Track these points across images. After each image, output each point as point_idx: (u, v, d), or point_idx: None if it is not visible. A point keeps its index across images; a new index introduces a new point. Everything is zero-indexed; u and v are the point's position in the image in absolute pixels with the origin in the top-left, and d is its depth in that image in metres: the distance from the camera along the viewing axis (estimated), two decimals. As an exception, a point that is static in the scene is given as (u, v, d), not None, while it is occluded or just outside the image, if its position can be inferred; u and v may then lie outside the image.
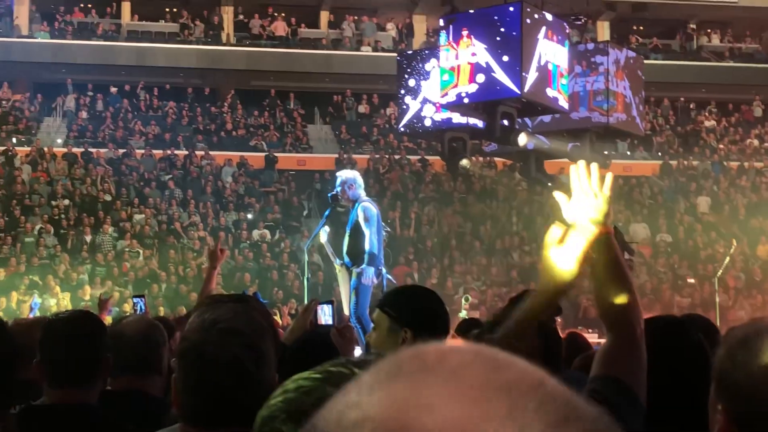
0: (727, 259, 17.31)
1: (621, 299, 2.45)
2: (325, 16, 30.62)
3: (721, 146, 28.03)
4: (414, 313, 3.34)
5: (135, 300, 8.20)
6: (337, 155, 25.09)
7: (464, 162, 15.51)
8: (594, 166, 2.60)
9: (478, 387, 0.66)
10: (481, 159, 21.87)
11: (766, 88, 29.21)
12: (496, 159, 21.84)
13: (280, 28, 29.64)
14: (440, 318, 3.37)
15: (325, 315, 5.53)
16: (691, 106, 29.57)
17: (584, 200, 2.52)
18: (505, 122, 14.22)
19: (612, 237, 2.50)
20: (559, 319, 6.71)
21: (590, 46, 16.69)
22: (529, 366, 0.69)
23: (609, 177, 2.59)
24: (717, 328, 4.07)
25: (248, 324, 2.09)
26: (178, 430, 2.16)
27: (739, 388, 1.66)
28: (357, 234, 9.15)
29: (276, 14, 30.10)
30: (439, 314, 3.38)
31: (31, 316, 8.94)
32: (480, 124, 14.67)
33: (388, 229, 12.95)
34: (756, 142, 28.30)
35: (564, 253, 2.39)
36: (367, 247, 9.02)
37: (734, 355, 1.69)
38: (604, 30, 29.67)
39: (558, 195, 2.60)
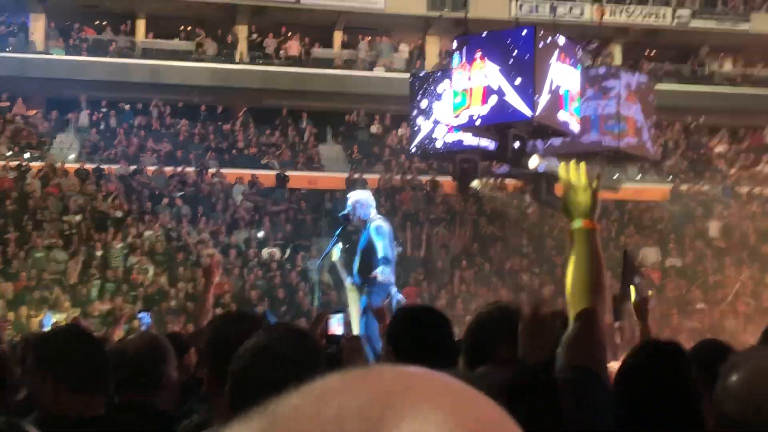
0: (738, 284, 17.25)
1: (592, 291, 2.55)
2: (338, 37, 30.77)
3: (732, 171, 27.99)
4: (405, 334, 3.31)
5: (140, 315, 8.19)
6: (348, 175, 25.15)
7: (475, 183, 15.55)
8: (582, 164, 2.75)
9: None
10: (491, 181, 21.86)
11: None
12: (506, 181, 21.85)
13: (293, 47, 29.78)
14: (439, 342, 3.30)
15: (335, 325, 5.55)
16: (703, 131, 29.57)
17: (574, 195, 2.65)
18: (517, 144, 14.25)
19: (595, 233, 2.62)
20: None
21: (602, 70, 16.72)
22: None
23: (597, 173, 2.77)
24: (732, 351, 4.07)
25: (300, 354, 2.13)
26: None
27: (721, 407, 1.72)
28: (368, 253, 9.17)
29: (290, 34, 30.26)
30: (432, 337, 3.30)
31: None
32: (491, 145, 14.70)
33: (399, 249, 12.95)
34: (767, 169, 28.26)
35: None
36: (381, 254, 9.01)
37: (724, 377, 1.75)
38: (616, 54, 29.73)
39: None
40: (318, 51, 30.27)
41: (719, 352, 3.12)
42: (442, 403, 0.64)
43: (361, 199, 9.39)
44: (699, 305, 21.02)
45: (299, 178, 25.77)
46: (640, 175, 26.68)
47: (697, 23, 29.98)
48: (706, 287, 21.89)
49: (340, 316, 5.70)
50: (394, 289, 9.38)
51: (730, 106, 29.16)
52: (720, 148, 29.21)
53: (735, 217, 25.38)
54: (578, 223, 2.64)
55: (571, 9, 28.72)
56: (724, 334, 15.59)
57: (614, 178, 16.56)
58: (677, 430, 2.62)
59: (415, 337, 3.30)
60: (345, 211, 9.48)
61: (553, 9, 28.08)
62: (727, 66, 31.53)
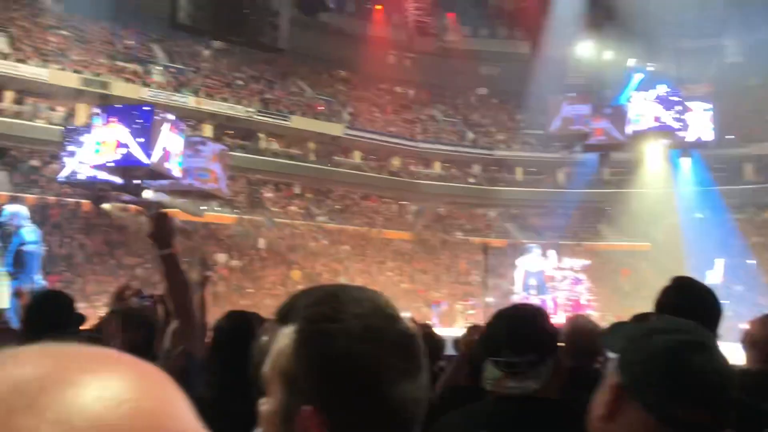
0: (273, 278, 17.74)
1: (181, 292, 2.33)
2: (9, 95, 26.87)
3: (275, 209, 29.18)
4: (37, 310, 3.06)
5: None
6: (10, 193, 22.05)
7: (106, 206, 14.62)
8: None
9: None
10: (118, 204, 20.61)
11: (303, 177, 31.07)
12: (130, 205, 20.72)
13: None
14: (65, 317, 3.05)
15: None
16: (259, 183, 30.45)
17: (160, 229, 2.34)
18: (136, 181, 13.72)
19: (177, 255, 2.31)
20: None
21: (197, 139, 16.72)
22: None
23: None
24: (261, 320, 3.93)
25: None
26: None
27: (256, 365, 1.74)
28: (19, 253, 8.15)
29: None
30: (61, 313, 3.06)
31: None
32: (119, 181, 14.00)
33: (46, 247, 11.65)
34: (295, 209, 29.96)
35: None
36: (29, 250, 8.06)
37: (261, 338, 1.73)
38: (207, 130, 29.48)
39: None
40: (-8, 103, 26.14)
41: (249, 320, 3.01)
42: (117, 369, 0.41)
43: (16, 210, 8.34)
44: (249, 290, 21.58)
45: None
46: (217, 207, 26.83)
47: (257, 117, 30.86)
48: (254, 279, 22.53)
49: None
50: (37, 277, 8.41)
51: (276, 170, 30.44)
52: (268, 195, 30.29)
53: (274, 237, 26.49)
54: (165, 250, 2.30)
55: (180, 97, 28.14)
56: (262, 309, 16.22)
57: (201, 208, 16.51)
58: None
59: (47, 313, 3.11)
60: (3, 219, 8.33)
61: (170, 95, 27.35)
62: (276, 145, 32.79)
